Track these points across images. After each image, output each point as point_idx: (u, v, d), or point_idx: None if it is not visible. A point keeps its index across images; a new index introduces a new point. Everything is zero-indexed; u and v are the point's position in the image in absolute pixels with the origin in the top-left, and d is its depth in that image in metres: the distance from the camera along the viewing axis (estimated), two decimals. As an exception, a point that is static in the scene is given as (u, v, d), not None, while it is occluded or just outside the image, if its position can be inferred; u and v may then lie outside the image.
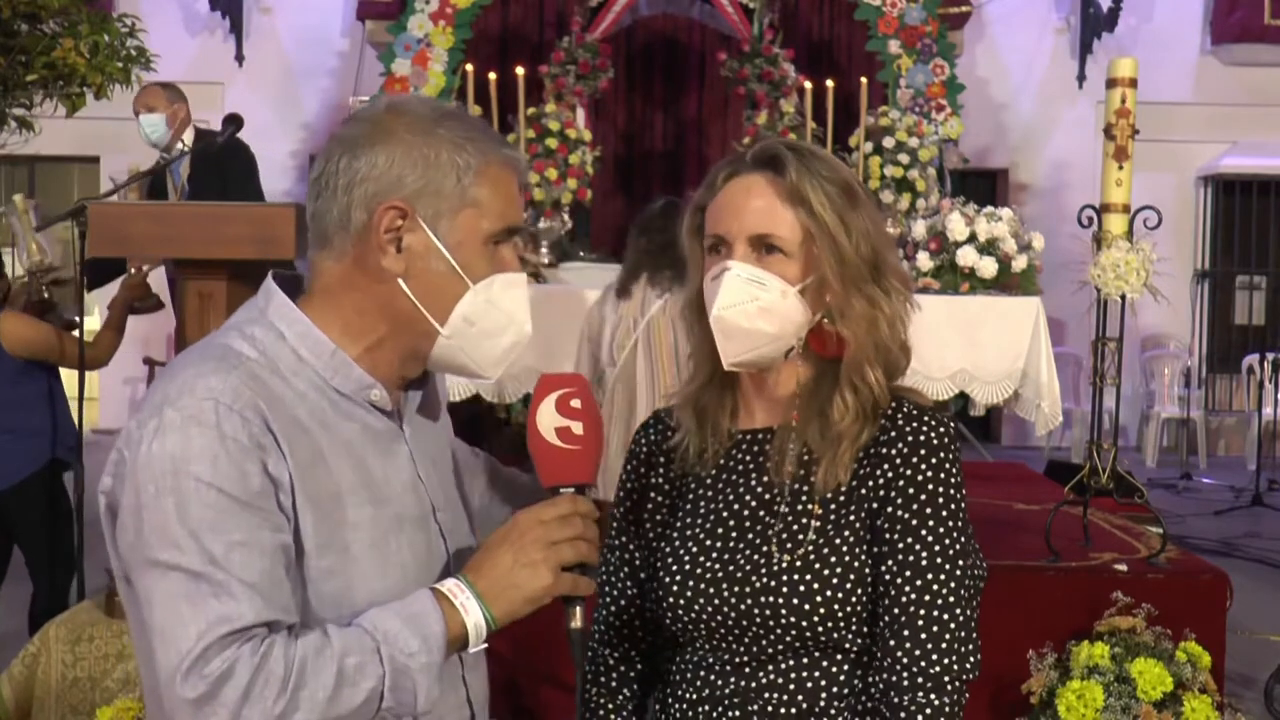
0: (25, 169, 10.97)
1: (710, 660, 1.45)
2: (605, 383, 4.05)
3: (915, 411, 1.40)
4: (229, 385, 1.23)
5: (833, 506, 1.40)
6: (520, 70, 6.06)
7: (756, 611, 1.38)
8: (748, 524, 1.44)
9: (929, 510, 1.36)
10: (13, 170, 11.08)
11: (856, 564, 1.37)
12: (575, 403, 1.32)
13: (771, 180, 1.41)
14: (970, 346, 4.66)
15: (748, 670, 1.42)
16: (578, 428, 1.31)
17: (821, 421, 1.41)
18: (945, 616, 1.34)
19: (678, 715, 1.47)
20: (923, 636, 1.33)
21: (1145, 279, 3.63)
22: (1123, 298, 3.67)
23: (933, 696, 1.32)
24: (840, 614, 1.36)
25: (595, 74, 7.28)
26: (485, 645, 1.29)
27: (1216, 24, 10.46)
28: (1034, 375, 4.63)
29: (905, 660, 1.33)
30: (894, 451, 1.39)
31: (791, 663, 1.40)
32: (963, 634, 1.34)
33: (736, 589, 1.40)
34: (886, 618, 1.36)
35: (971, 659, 1.35)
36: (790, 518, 1.41)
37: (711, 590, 1.41)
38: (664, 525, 1.53)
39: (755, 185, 1.42)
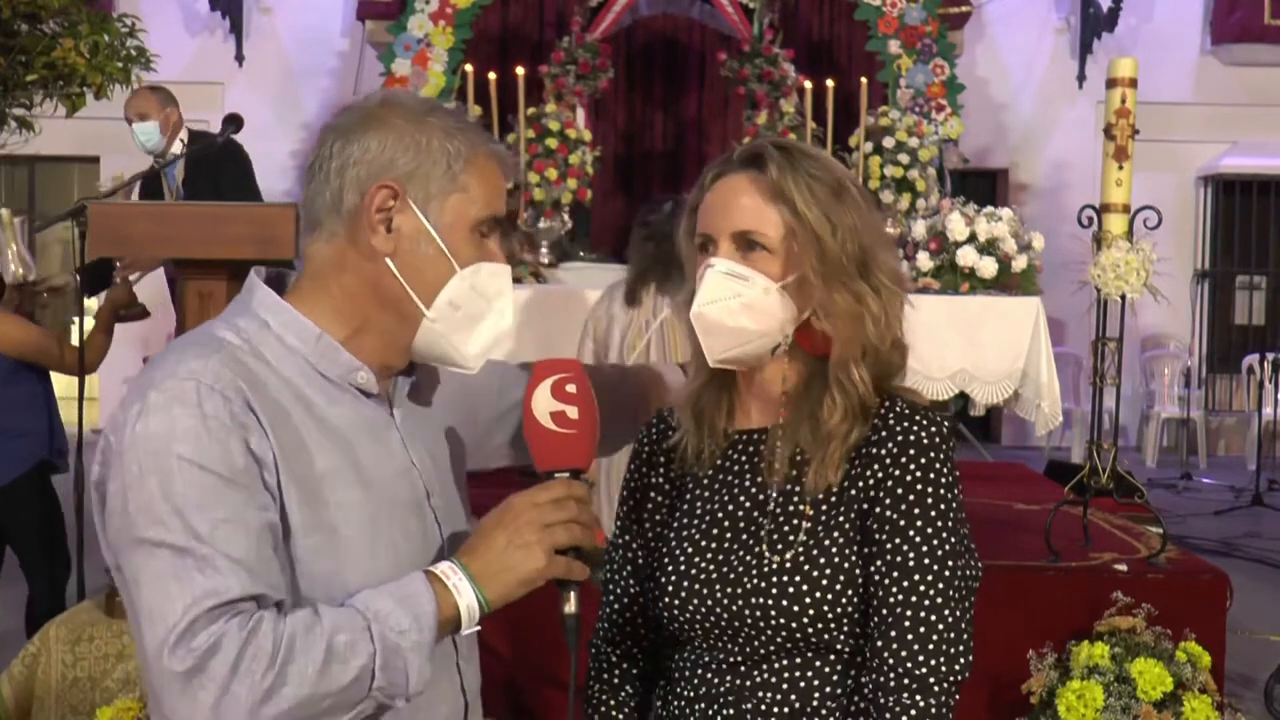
0: (25, 169, 10.98)
1: (706, 659, 1.45)
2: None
3: (907, 411, 1.40)
4: (210, 367, 1.25)
5: (824, 507, 1.40)
6: (520, 70, 6.06)
7: (748, 612, 1.39)
8: (742, 524, 1.44)
9: (917, 510, 1.36)
10: (13, 170, 11.08)
11: (847, 565, 1.37)
12: (571, 388, 1.33)
13: (755, 178, 1.42)
14: (970, 346, 4.65)
15: (742, 669, 1.42)
16: (573, 412, 1.32)
17: (812, 422, 1.41)
18: (933, 618, 1.33)
19: (676, 712, 1.49)
20: (909, 638, 1.33)
21: (1145, 279, 3.63)
22: (1123, 298, 3.67)
23: (918, 698, 1.32)
24: (830, 615, 1.36)
25: (595, 74, 7.28)
26: (478, 629, 1.30)
27: (1216, 24, 10.47)
28: (1034, 375, 4.63)
29: (891, 661, 1.33)
30: (884, 451, 1.38)
31: (785, 662, 1.40)
32: (951, 635, 1.34)
33: (729, 589, 1.40)
34: (875, 618, 1.35)
35: (960, 661, 1.34)
36: (782, 518, 1.42)
37: (705, 590, 1.42)
38: (663, 525, 1.53)
39: (740, 184, 1.43)
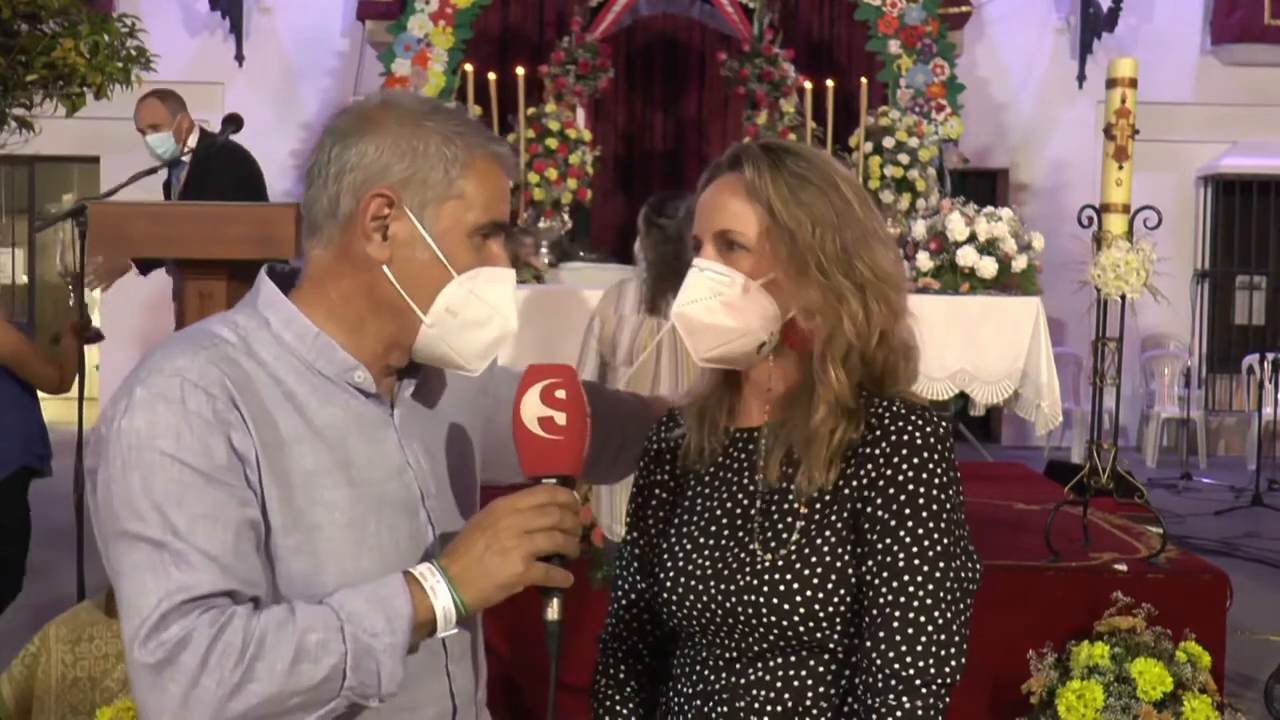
0: (25, 169, 10.98)
1: (704, 655, 1.46)
2: (611, 381, 3.93)
3: (903, 410, 1.39)
4: (195, 364, 1.26)
5: (817, 506, 1.40)
6: (520, 70, 6.06)
7: (740, 609, 1.39)
8: (739, 522, 1.45)
9: (908, 511, 1.35)
10: (13, 170, 11.08)
11: (839, 564, 1.37)
12: (560, 393, 1.33)
13: (737, 179, 1.43)
14: (970, 346, 4.66)
15: (738, 667, 1.43)
16: (561, 418, 1.32)
17: (800, 421, 1.41)
18: (922, 619, 1.33)
19: (676, 709, 1.50)
20: (897, 639, 1.33)
21: (1145, 279, 3.63)
22: (1123, 298, 3.67)
23: (904, 700, 1.32)
24: (822, 614, 1.37)
25: (595, 74, 7.28)
26: (456, 631, 1.29)
27: (1216, 24, 10.47)
28: (1034, 375, 4.63)
29: (879, 662, 1.33)
30: (877, 451, 1.38)
31: (779, 660, 1.40)
32: (941, 637, 1.33)
33: (723, 587, 1.41)
34: (866, 619, 1.35)
35: (951, 663, 1.33)
36: (776, 516, 1.42)
37: (701, 587, 1.43)
38: (665, 522, 1.54)
39: (724, 185, 1.45)
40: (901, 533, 1.35)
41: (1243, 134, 10.51)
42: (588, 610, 2.02)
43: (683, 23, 8.69)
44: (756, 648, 1.41)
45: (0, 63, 5.96)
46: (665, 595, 1.46)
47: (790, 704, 1.40)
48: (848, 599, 1.37)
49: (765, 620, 1.38)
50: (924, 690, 1.32)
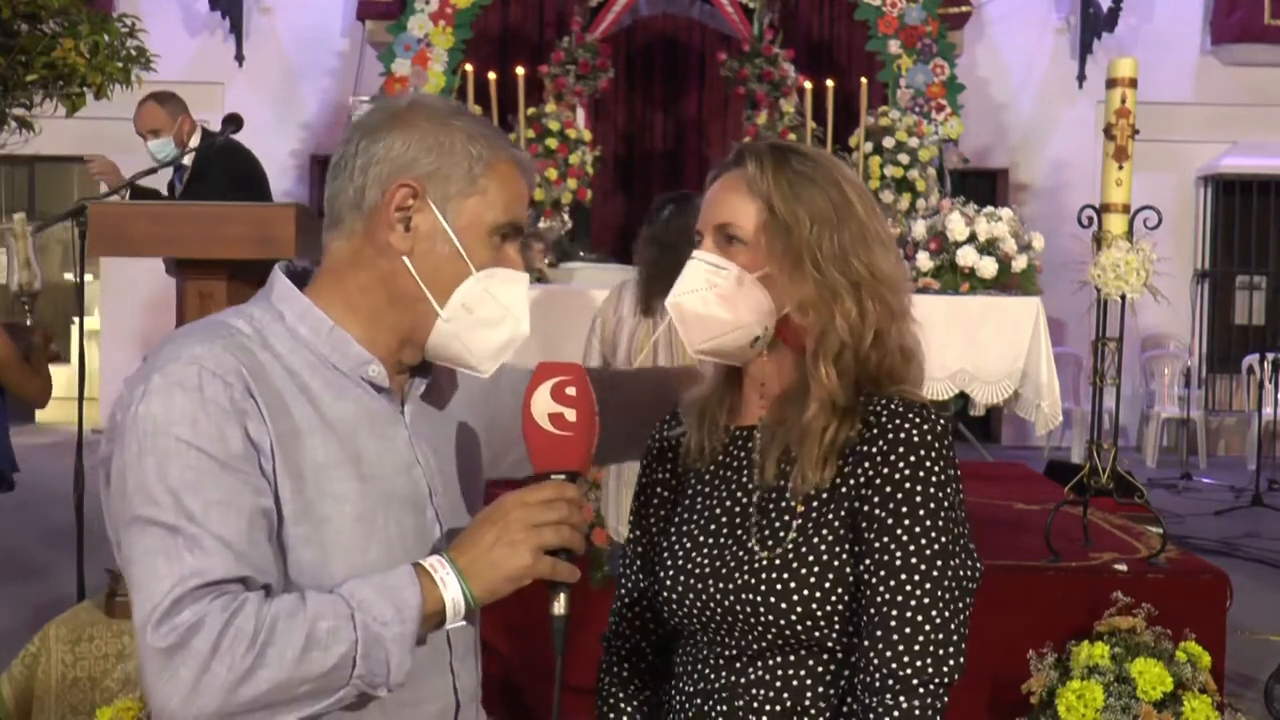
0: (25, 169, 10.99)
1: (704, 653, 1.47)
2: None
3: (900, 408, 1.39)
4: (213, 352, 1.27)
5: (814, 504, 1.40)
6: (520, 70, 6.06)
7: (739, 608, 1.40)
8: (738, 520, 1.45)
9: (905, 509, 1.35)
10: (13, 170, 11.09)
11: (836, 563, 1.37)
12: (570, 390, 1.34)
13: (739, 175, 1.45)
14: (970, 346, 4.65)
15: (738, 665, 1.43)
16: (571, 415, 1.33)
17: (794, 419, 1.41)
18: (919, 618, 1.32)
19: (677, 707, 1.50)
20: (894, 638, 1.32)
21: (1145, 279, 3.63)
22: (1123, 298, 3.67)
23: (901, 699, 1.31)
24: (819, 612, 1.37)
25: (595, 74, 7.29)
26: (473, 629, 1.30)
27: (1216, 24, 10.47)
28: (1034, 375, 4.63)
29: (876, 661, 1.33)
30: (874, 449, 1.38)
31: (778, 659, 1.41)
32: (939, 636, 1.32)
33: (721, 585, 1.41)
34: (864, 618, 1.35)
35: (950, 663, 1.33)
36: (774, 514, 1.42)
37: (700, 585, 1.43)
38: (666, 520, 1.55)
39: (726, 182, 1.47)
40: (899, 531, 1.34)
41: (1243, 134, 10.51)
42: (589, 609, 2.03)
43: (683, 23, 8.70)
44: (755, 646, 1.41)
45: (0, 63, 5.96)
46: (665, 594, 1.47)
47: (789, 703, 1.40)
48: (845, 598, 1.37)
49: (763, 619, 1.38)
50: (921, 690, 1.32)
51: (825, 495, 1.40)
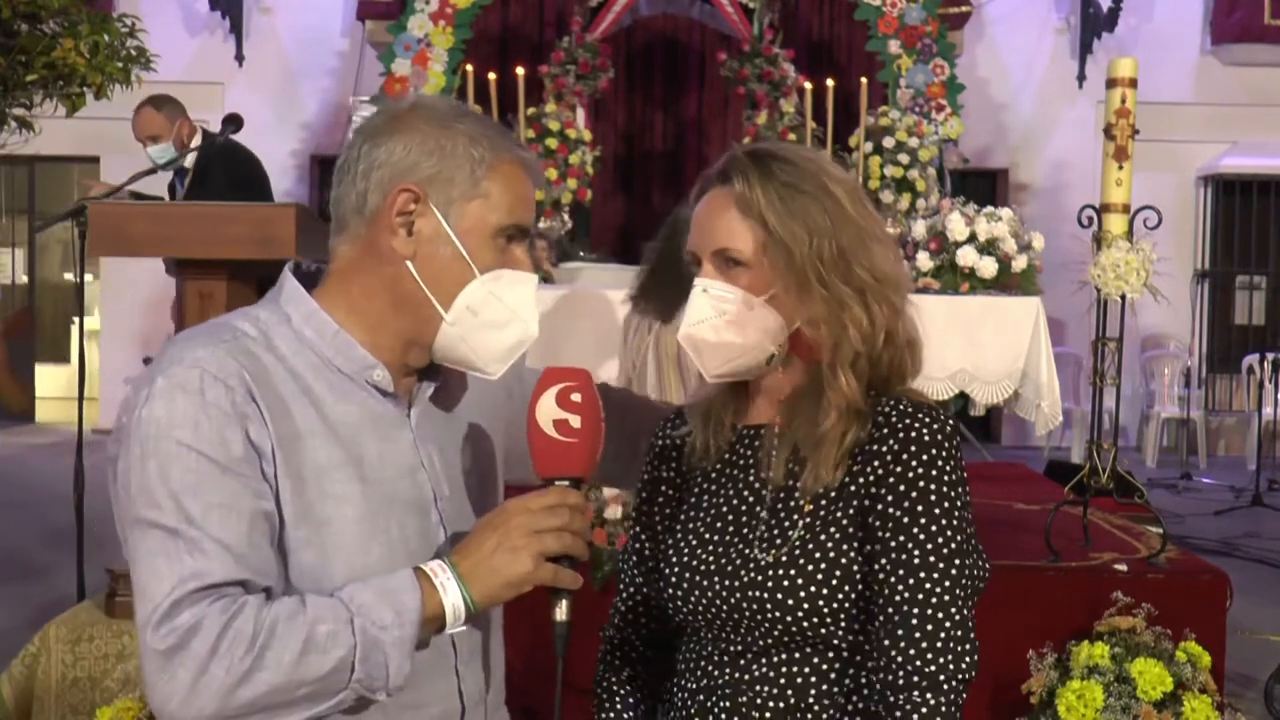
0: (25, 169, 10.98)
1: (709, 650, 1.47)
2: (634, 387, 3.97)
3: (909, 409, 1.40)
4: (215, 355, 1.28)
5: (822, 503, 1.41)
6: (520, 70, 6.07)
7: (745, 605, 1.40)
8: (744, 518, 1.46)
9: (920, 507, 1.36)
10: (13, 170, 11.09)
11: (844, 561, 1.37)
12: (576, 397, 1.34)
13: (729, 193, 1.43)
14: (970, 346, 4.65)
15: (742, 663, 1.43)
16: (575, 421, 1.33)
17: (808, 425, 1.42)
18: (940, 615, 1.33)
19: (680, 703, 1.50)
20: (917, 635, 1.33)
21: (1145, 279, 3.63)
22: (1123, 298, 3.67)
23: (928, 696, 1.32)
24: (826, 610, 1.37)
25: (595, 74, 7.29)
26: (465, 629, 1.31)
27: (1216, 24, 10.47)
28: (1034, 375, 4.63)
29: (900, 660, 1.33)
30: (885, 449, 1.38)
31: (783, 656, 1.41)
32: (959, 633, 1.34)
33: (726, 583, 1.41)
34: (881, 617, 1.36)
35: (968, 658, 1.34)
36: (782, 512, 1.42)
37: (705, 583, 1.43)
38: (670, 519, 1.56)
39: (716, 200, 1.45)
40: (915, 530, 1.35)
41: (1243, 134, 10.51)
42: (591, 611, 2.03)
43: (683, 23, 8.70)
44: (760, 643, 1.41)
45: (0, 63, 5.96)
46: (670, 591, 1.47)
47: (793, 700, 1.40)
48: (852, 595, 1.37)
49: (769, 616, 1.38)
50: (945, 685, 1.32)
51: (833, 494, 1.41)
